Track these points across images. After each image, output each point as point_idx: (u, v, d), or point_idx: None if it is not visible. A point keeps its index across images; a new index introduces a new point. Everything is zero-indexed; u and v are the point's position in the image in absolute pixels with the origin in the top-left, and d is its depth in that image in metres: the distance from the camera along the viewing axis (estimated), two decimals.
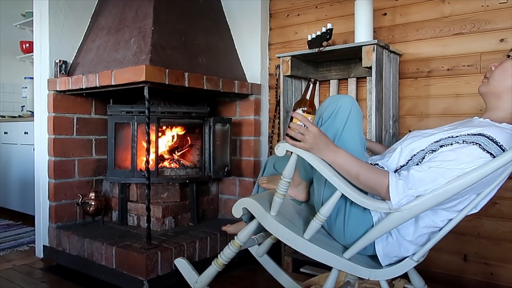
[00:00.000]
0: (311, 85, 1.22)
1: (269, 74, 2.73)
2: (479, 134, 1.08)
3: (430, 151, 1.15)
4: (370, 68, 1.93)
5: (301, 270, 2.19)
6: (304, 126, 1.16)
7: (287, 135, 1.19)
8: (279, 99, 2.41)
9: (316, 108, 1.25)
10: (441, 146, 1.12)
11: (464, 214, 1.12)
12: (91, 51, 2.47)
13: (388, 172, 1.13)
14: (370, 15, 2.06)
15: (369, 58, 1.92)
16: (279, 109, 2.49)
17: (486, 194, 1.09)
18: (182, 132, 2.72)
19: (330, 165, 1.17)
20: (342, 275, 1.82)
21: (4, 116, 3.91)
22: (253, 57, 2.69)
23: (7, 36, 4.04)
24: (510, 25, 1.93)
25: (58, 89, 2.39)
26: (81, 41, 2.59)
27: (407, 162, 1.21)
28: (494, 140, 1.06)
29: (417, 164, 1.15)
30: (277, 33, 2.71)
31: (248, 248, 1.70)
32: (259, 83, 2.67)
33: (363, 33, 2.05)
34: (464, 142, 1.08)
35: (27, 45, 3.98)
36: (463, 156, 1.06)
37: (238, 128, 2.71)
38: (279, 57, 2.27)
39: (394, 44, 2.20)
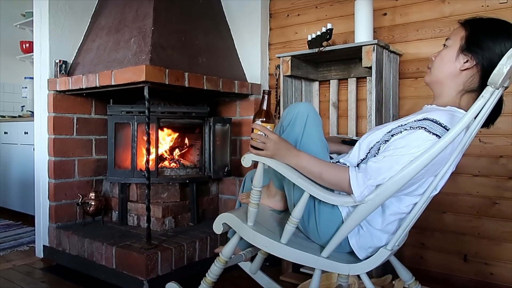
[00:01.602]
0: (266, 96, 1.33)
1: (269, 74, 2.73)
2: (424, 119, 1.13)
3: (384, 142, 1.21)
4: (370, 68, 1.93)
5: (301, 270, 2.19)
6: (265, 135, 1.23)
7: (251, 146, 1.26)
8: (279, 99, 2.41)
9: (275, 117, 1.32)
10: (392, 135, 1.18)
11: (426, 196, 1.16)
12: (91, 51, 2.47)
13: (348, 167, 1.18)
14: (370, 15, 2.06)
15: (369, 58, 1.92)
16: (279, 109, 2.49)
17: (442, 174, 1.13)
18: (182, 132, 2.72)
19: (294, 169, 1.23)
20: (335, 277, 1.83)
21: (4, 116, 3.91)
22: (253, 57, 2.69)
23: (7, 36, 4.04)
24: None
25: (58, 89, 2.39)
26: (81, 41, 2.59)
27: (366, 155, 1.26)
28: (438, 122, 1.11)
29: (375, 156, 1.21)
30: (277, 33, 2.71)
31: (241, 266, 1.73)
32: (259, 83, 2.67)
33: (363, 33, 2.05)
34: (411, 128, 1.14)
35: (27, 45, 3.98)
36: (412, 141, 1.11)
37: (238, 128, 2.71)
38: (279, 57, 2.27)
39: (394, 44, 2.20)
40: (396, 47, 2.15)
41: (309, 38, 2.15)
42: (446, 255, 2.10)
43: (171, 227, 2.43)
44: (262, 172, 1.27)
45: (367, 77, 2.23)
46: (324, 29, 2.09)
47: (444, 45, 1.28)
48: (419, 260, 2.17)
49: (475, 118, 1.04)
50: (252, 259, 1.71)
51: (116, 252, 2.07)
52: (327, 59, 2.35)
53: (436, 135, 1.09)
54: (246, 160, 1.28)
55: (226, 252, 1.40)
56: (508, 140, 1.95)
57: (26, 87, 4.00)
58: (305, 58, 2.28)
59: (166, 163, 2.59)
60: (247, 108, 2.68)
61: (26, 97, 4.01)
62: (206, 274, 1.43)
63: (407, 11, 2.20)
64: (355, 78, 2.31)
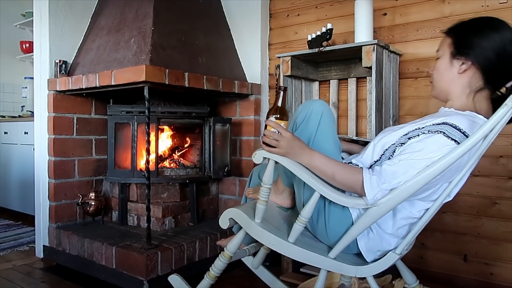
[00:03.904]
0: (282, 92, 1.30)
1: (269, 74, 2.73)
2: (443, 123, 1.11)
3: (400, 144, 1.18)
4: (370, 68, 1.93)
5: (301, 270, 2.19)
6: (278, 132, 1.21)
7: (263, 142, 1.24)
8: None
9: (289, 114, 1.29)
10: (409, 138, 1.16)
11: (439, 202, 1.15)
12: (91, 51, 2.47)
13: (362, 169, 1.16)
14: (370, 15, 2.06)
15: (369, 58, 1.92)
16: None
17: (457, 181, 1.12)
18: (182, 132, 2.72)
19: (306, 168, 1.21)
20: (337, 277, 1.83)
21: (4, 116, 3.91)
22: (253, 57, 2.69)
23: (7, 36, 4.04)
24: None
25: (58, 89, 2.39)
26: (81, 41, 2.59)
27: (380, 157, 1.25)
28: (457, 127, 1.09)
29: (389, 158, 1.19)
30: (277, 33, 2.71)
31: (243, 261, 1.73)
32: (259, 83, 2.67)
33: (363, 33, 2.05)
34: (430, 132, 1.12)
35: (27, 45, 3.98)
36: (429, 145, 1.10)
37: (238, 128, 2.71)
38: (279, 57, 2.27)
39: (394, 44, 2.20)
40: (396, 47, 2.15)
41: (309, 38, 2.15)
42: (446, 255, 2.10)
43: (171, 227, 2.43)
44: (272, 170, 1.25)
45: (367, 77, 2.23)
46: (324, 29, 2.09)
47: (437, 58, 1.29)
48: (419, 260, 2.17)
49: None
50: (254, 254, 1.70)
51: (116, 252, 2.07)
52: (327, 59, 2.35)
53: (455, 141, 1.07)
54: (257, 157, 1.25)
55: (231, 247, 1.39)
56: (508, 140, 1.95)
57: (26, 87, 4.00)
58: (305, 58, 2.28)
59: (166, 163, 2.59)
60: (247, 108, 2.68)
61: (26, 97, 4.01)
62: (210, 269, 1.42)
63: (407, 11, 2.20)
64: (355, 78, 2.31)
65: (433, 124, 1.13)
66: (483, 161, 2.00)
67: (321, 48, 2.09)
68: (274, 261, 2.32)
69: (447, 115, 1.16)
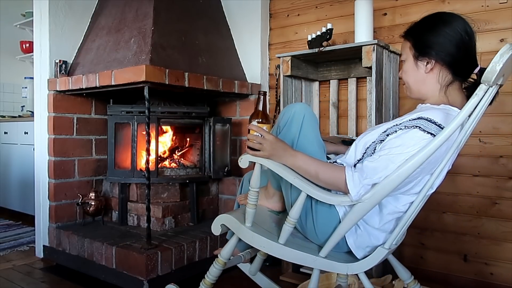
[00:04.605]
0: (262, 97, 1.36)
1: (269, 74, 2.73)
2: (419, 118, 1.15)
3: (379, 141, 1.22)
4: (370, 68, 1.93)
5: (301, 270, 2.19)
6: (261, 135, 1.24)
7: (248, 147, 1.27)
8: (279, 99, 2.41)
9: (270, 117, 1.35)
10: (387, 135, 1.20)
11: (423, 195, 1.17)
12: (91, 51, 2.47)
13: (345, 167, 1.19)
14: (370, 15, 2.06)
15: (369, 58, 1.91)
16: (279, 109, 2.49)
17: (438, 172, 1.14)
18: (182, 132, 2.72)
19: (291, 169, 1.24)
20: (335, 278, 1.83)
21: (4, 116, 3.91)
22: (253, 57, 2.69)
23: (7, 36, 4.04)
24: (510, 25, 1.93)
25: (58, 89, 2.40)
26: (81, 41, 2.59)
27: (362, 156, 1.27)
28: (433, 121, 1.13)
29: (370, 156, 1.22)
30: (277, 33, 2.71)
31: (241, 268, 1.74)
32: (259, 83, 2.67)
33: (363, 33, 2.05)
34: (406, 127, 1.15)
35: (27, 45, 3.98)
36: (407, 140, 1.13)
37: (238, 128, 2.71)
38: (279, 57, 2.27)
39: (394, 44, 2.20)
40: (396, 47, 2.15)
41: (309, 38, 2.15)
42: (446, 255, 2.10)
43: (171, 227, 2.43)
44: (259, 173, 1.28)
45: (367, 77, 2.23)
46: (324, 29, 2.09)
47: (402, 61, 1.33)
48: (419, 260, 2.17)
49: (469, 116, 1.05)
50: (251, 260, 1.71)
51: (116, 252, 2.07)
52: (327, 59, 2.35)
53: (431, 134, 1.11)
54: (243, 161, 1.29)
55: (224, 253, 1.40)
56: (508, 140, 1.95)
57: (26, 87, 4.00)
58: (305, 58, 2.28)
59: (166, 163, 2.59)
60: (247, 108, 2.68)
61: (26, 97, 4.01)
62: (205, 276, 1.43)
63: (407, 11, 2.20)
64: (355, 78, 2.31)
65: (409, 120, 1.17)
66: (483, 161, 2.00)
67: (321, 48, 2.09)
68: (274, 261, 2.32)
69: (423, 110, 1.19)
